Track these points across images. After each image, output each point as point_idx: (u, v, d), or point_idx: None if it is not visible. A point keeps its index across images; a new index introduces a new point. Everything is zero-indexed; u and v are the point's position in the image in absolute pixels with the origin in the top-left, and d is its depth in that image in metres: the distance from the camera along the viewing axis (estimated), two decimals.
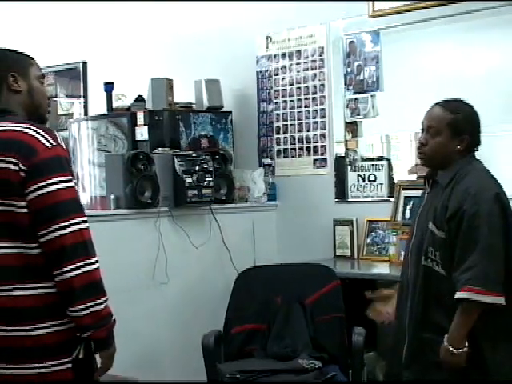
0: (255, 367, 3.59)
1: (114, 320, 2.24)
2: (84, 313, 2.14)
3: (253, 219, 4.62)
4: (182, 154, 4.23)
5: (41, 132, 2.20)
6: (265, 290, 3.94)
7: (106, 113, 4.57)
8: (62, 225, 2.12)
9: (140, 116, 4.32)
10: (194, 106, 4.74)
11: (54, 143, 2.19)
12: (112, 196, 4.00)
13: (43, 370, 2.17)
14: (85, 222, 2.18)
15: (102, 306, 2.17)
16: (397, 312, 2.91)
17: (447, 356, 2.58)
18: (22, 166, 2.13)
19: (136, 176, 3.92)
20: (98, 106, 4.92)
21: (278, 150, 4.90)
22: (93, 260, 2.17)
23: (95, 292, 2.17)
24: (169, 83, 4.53)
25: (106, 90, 4.56)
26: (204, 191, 4.18)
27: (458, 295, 2.53)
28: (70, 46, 5.79)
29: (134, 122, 4.34)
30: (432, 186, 2.83)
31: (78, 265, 2.12)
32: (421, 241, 2.74)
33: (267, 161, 4.87)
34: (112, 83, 4.49)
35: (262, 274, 4.04)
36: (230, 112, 4.86)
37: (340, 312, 3.78)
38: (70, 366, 2.18)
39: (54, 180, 2.14)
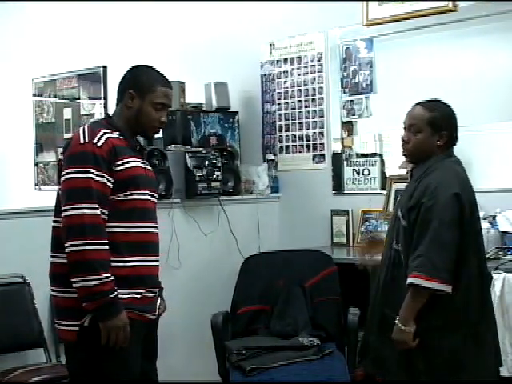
0: (259, 344, 3.58)
1: (112, 298, 2.24)
2: (76, 285, 2.23)
3: (257, 210, 4.60)
4: (193, 151, 4.22)
5: (85, 130, 2.33)
6: (268, 274, 3.93)
7: None
8: (66, 207, 2.24)
9: None
10: (204, 106, 4.71)
11: (87, 140, 2.29)
12: None
13: (59, 327, 2.37)
14: (92, 208, 2.24)
15: (92, 283, 2.20)
16: (374, 289, 2.89)
17: (397, 333, 2.56)
18: (62, 157, 2.36)
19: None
20: None
21: (281, 147, 4.88)
22: (90, 241, 2.20)
23: (84, 269, 2.21)
24: (181, 86, 4.50)
25: None
26: (213, 184, 4.17)
27: (408, 280, 2.50)
28: (92, 52, 5.81)
29: None
30: (410, 179, 2.80)
31: (73, 243, 2.21)
32: (393, 227, 2.73)
33: (270, 157, 4.86)
34: None
35: (265, 260, 4.04)
36: (237, 112, 4.85)
37: (337, 294, 3.79)
38: (76, 329, 2.28)
39: (72, 170, 2.26)
